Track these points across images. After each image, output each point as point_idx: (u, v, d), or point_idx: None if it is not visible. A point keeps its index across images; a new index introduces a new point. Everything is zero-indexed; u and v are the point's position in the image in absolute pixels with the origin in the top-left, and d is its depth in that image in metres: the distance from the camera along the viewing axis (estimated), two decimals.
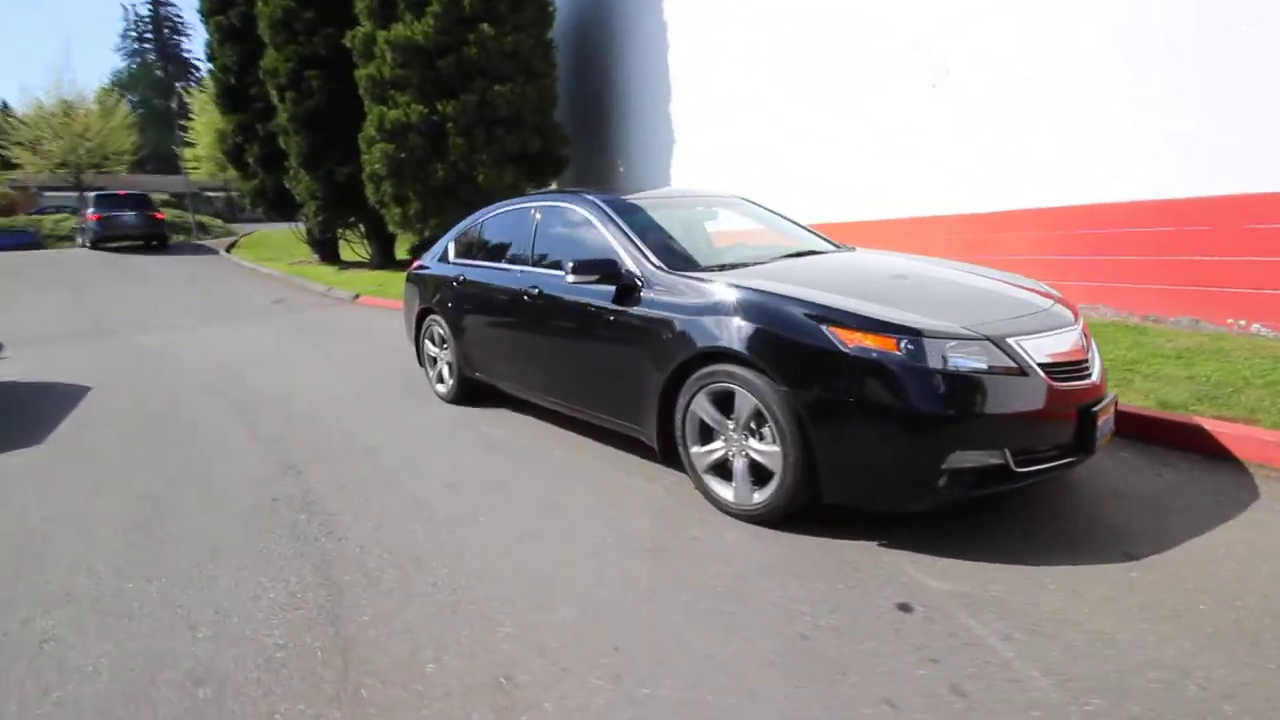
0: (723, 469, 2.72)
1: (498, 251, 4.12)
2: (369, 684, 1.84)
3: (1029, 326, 2.37)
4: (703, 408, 2.69)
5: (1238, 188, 4.12)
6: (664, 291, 2.89)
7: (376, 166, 11.46)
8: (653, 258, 3.03)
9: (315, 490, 3.27)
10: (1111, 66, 4.82)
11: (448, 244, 4.72)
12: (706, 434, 2.75)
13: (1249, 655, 1.73)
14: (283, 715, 1.74)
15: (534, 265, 3.72)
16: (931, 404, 2.14)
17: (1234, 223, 4.18)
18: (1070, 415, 2.29)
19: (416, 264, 5.14)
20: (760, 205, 4.11)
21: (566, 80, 12.97)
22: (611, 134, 13.22)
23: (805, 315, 2.38)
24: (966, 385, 2.16)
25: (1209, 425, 2.99)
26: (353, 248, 16.61)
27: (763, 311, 2.49)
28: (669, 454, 2.93)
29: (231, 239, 24.80)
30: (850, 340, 2.25)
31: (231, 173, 22.84)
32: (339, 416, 4.53)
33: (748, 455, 2.58)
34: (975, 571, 2.19)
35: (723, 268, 3.01)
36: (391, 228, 12.61)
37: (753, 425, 2.54)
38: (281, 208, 16.36)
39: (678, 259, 3.05)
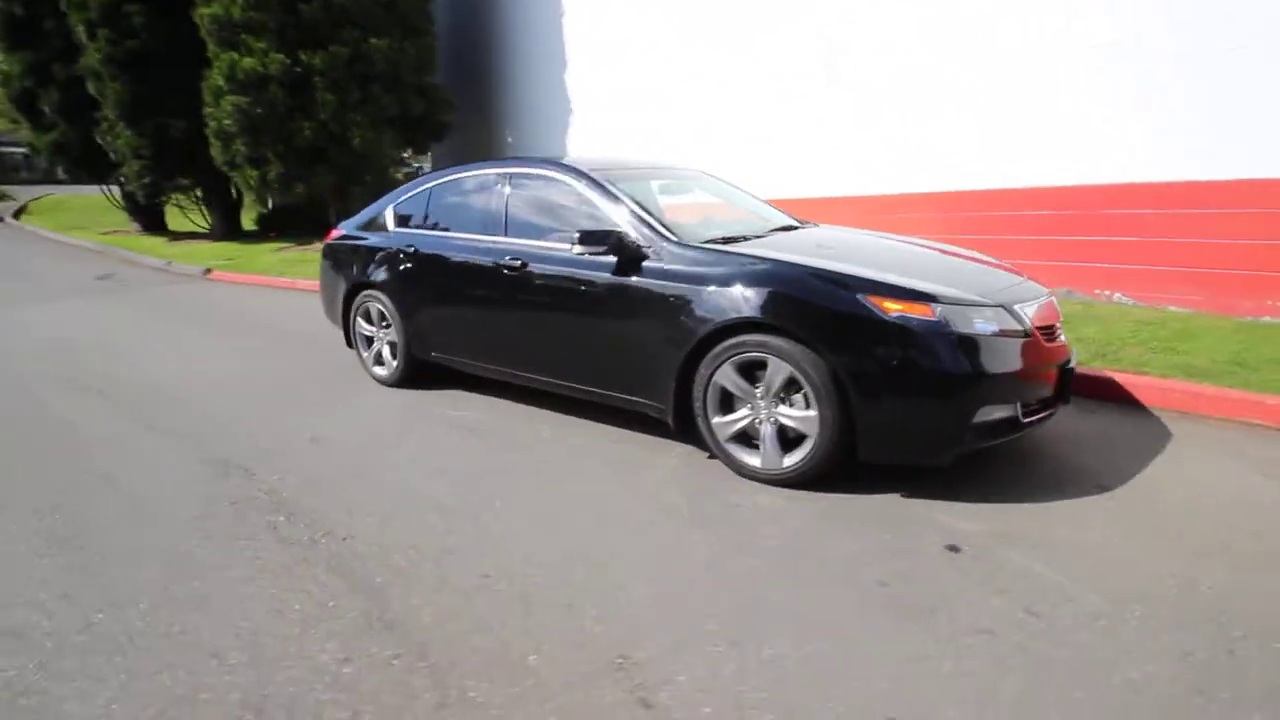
0: (744, 437, 2.79)
1: (458, 220, 3.83)
2: (473, 686, 1.70)
3: (1021, 295, 2.68)
4: (728, 378, 2.73)
5: (1101, 178, 4.91)
6: (678, 262, 2.87)
7: (226, 122, 10.04)
8: (659, 228, 2.99)
9: (280, 488, 2.89)
10: (1002, 61, 5.45)
11: (383, 211, 4.29)
12: (727, 403, 2.80)
13: (1233, 562, 2.13)
14: None
15: (510, 235, 3.51)
16: (965, 365, 2.36)
17: (1096, 208, 4.96)
18: (1053, 372, 2.63)
19: (337, 234, 4.63)
20: (722, 180, 4.18)
21: (446, 41, 12.14)
22: (497, 102, 12.62)
23: (842, 285, 2.50)
24: (990, 347, 2.41)
25: (1117, 377, 3.57)
26: (187, 215, 14.47)
27: (799, 282, 2.57)
28: (684, 427, 2.95)
29: (15, 204, 20.54)
30: (889, 308, 2.41)
31: (4, 123, 18.90)
32: (258, 406, 4.00)
33: (775, 421, 2.67)
34: (991, 512, 2.47)
35: (726, 240, 3.05)
36: (245, 193, 11.15)
37: (782, 393, 2.63)
38: (90, 166, 13.85)
39: (681, 230, 3.04)
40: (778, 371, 2.59)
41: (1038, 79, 5.27)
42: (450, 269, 3.73)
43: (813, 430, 2.55)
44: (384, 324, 4.23)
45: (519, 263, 3.37)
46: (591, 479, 2.90)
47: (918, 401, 2.40)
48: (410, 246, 3.94)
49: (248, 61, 9.55)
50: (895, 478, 2.70)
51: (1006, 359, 2.43)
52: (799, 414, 2.59)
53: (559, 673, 1.74)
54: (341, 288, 4.44)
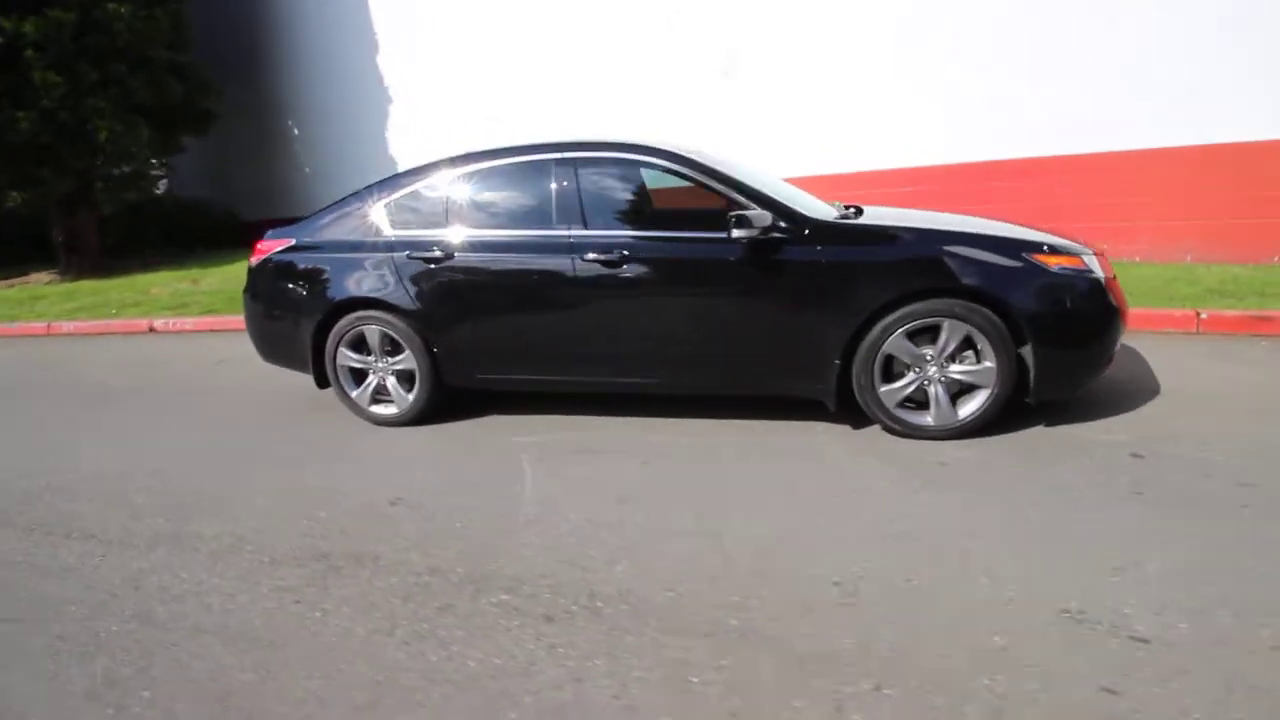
0: (906, 400, 2.93)
1: (503, 216, 3.27)
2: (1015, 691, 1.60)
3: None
4: (899, 346, 2.83)
5: (977, 157, 6.08)
6: (829, 240, 2.87)
7: None
8: (793, 209, 2.95)
9: (445, 565, 2.26)
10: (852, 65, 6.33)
11: (363, 211, 3.46)
12: (887, 372, 2.91)
13: None
14: None
15: (592, 228, 3.10)
16: (1111, 304, 2.79)
17: (984, 182, 6.09)
18: None
19: (279, 246, 3.63)
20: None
21: (200, 13, 9.85)
22: (275, 88, 10.73)
23: (1008, 247, 2.77)
24: (1112, 289, 2.87)
25: None
26: None
27: (975, 247, 2.78)
28: (845, 404, 2.98)
29: None
30: (1051, 262, 2.74)
31: None
32: (252, 480, 3.06)
33: (944, 380, 2.86)
34: (1118, 424, 2.95)
35: (843, 217, 3.13)
36: None
37: (950, 351, 2.83)
38: None
39: (809, 209, 3.03)
40: (955, 332, 2.77)
41: (884, 79, 6.27)
42: (513, 272, 3.19)
43: (989, 381, 2.79)
44: (389, 351, 3.44)
45: (621, 255, 3.02)
46: (786, 471, 2.77)
47: (1084, 341, 2.79)
48: (436, 250, 3.26)
49: None
50: (1020, 414, 3.06)
51: (1119, 298, 2.95)
52: (973, 368, 2.81)
53: (1041, 643, 1.72)
54: (308, 314, 3.49)
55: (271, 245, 3.64)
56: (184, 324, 6.41)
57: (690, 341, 3.09)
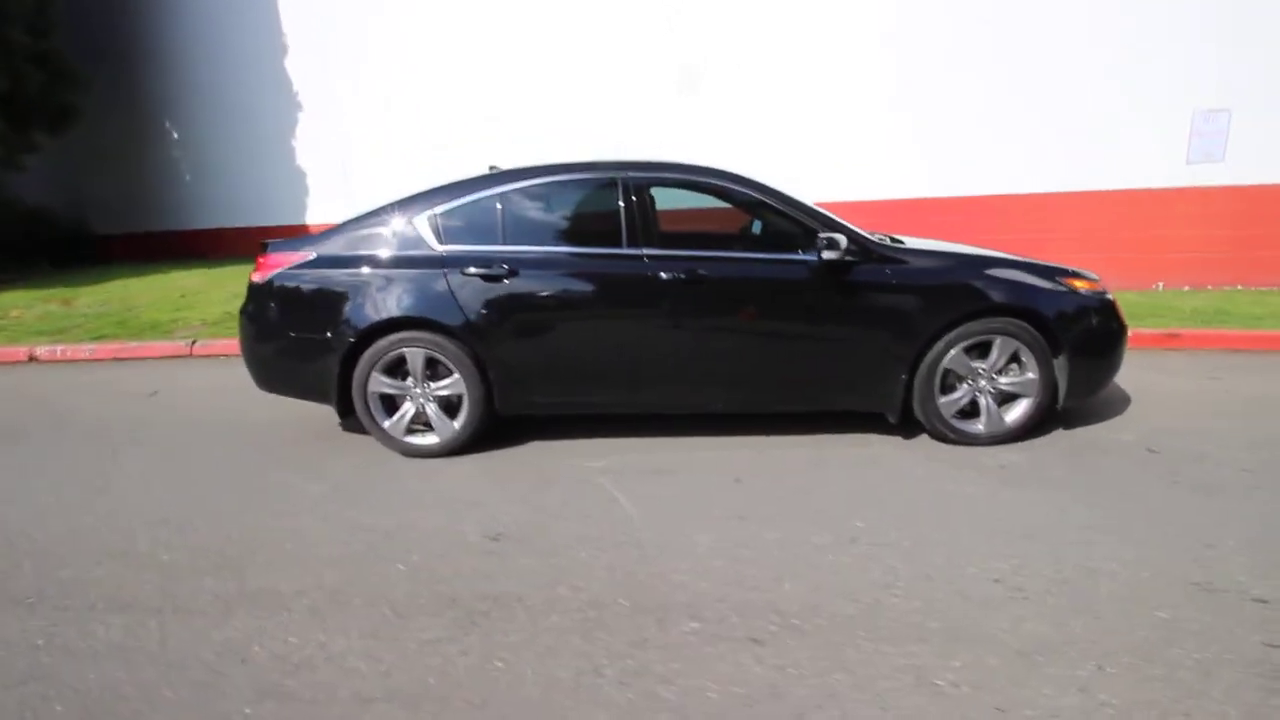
0: (959, 411, 3.20)
1: (576, 234, 3.18)
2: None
3: None
4: (958, 361, 3.10)
5: (938, 193, 6.80)
6: (897, 262, 3.09)
7: None
8: (858, 232, 3.14)
9: (634, 600, 2.14)
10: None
11: (404, 223, 3.18)
12: (942, 384, 3.17)
13: (1254, 416, 3.52)
14: None
15: (659, 247, 3.10)
16: (1123, 321, 3.25)
17: (924, 216, 6.76)
18: None
19: (296, 259, 3.26)
20: None
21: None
22: (153, 83, 9.50)
23: (1048, 272, 3.14)
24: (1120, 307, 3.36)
25: None
26: None
27: (1024, 273, 3.12)
28: (905, 417, 3.19)
29: None
30: (1079, 286, 3.15)
31: None
32: (284, 525, 2.69)
33: (993, 390, 3.16)
34: (1121, 424, 3.43)
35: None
36: None
37: (1000, 365, 3.14)
38: None
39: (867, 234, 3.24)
40: (1005, 347, 3.09)
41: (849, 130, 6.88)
42: (584, 291, 3.09)
43: (1031, 391, 3.13)
44: (431, 375, 3.18)
45: (696, 275, 3.04)
46: (870, 481, 2.90)
47: (1105, 353, 3.21)
48: (499, 266, 3.08)
49: None
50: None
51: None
52: (1017, 379, 3.14)
53: (1195, 611, 1.96)
54: (337, 335, 3.14)
55: (284, 259, 3.24)
56: (78, 352, 5.43)
57: (767, 360, 3.17)
